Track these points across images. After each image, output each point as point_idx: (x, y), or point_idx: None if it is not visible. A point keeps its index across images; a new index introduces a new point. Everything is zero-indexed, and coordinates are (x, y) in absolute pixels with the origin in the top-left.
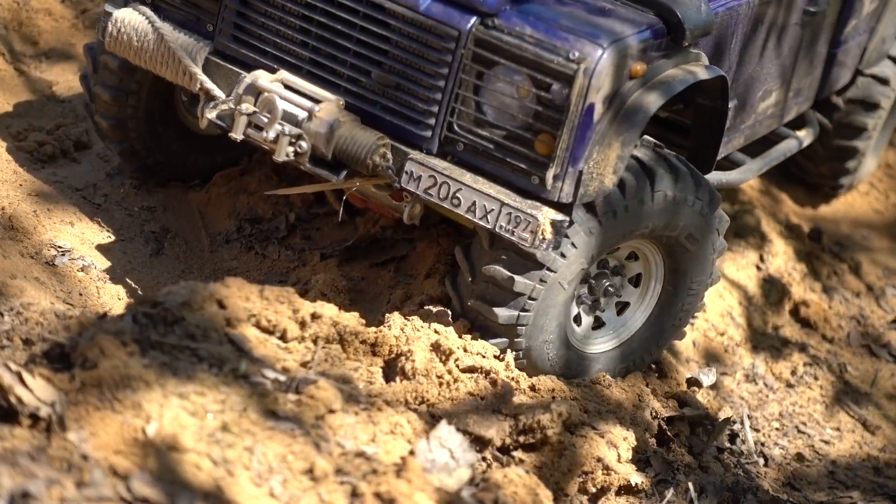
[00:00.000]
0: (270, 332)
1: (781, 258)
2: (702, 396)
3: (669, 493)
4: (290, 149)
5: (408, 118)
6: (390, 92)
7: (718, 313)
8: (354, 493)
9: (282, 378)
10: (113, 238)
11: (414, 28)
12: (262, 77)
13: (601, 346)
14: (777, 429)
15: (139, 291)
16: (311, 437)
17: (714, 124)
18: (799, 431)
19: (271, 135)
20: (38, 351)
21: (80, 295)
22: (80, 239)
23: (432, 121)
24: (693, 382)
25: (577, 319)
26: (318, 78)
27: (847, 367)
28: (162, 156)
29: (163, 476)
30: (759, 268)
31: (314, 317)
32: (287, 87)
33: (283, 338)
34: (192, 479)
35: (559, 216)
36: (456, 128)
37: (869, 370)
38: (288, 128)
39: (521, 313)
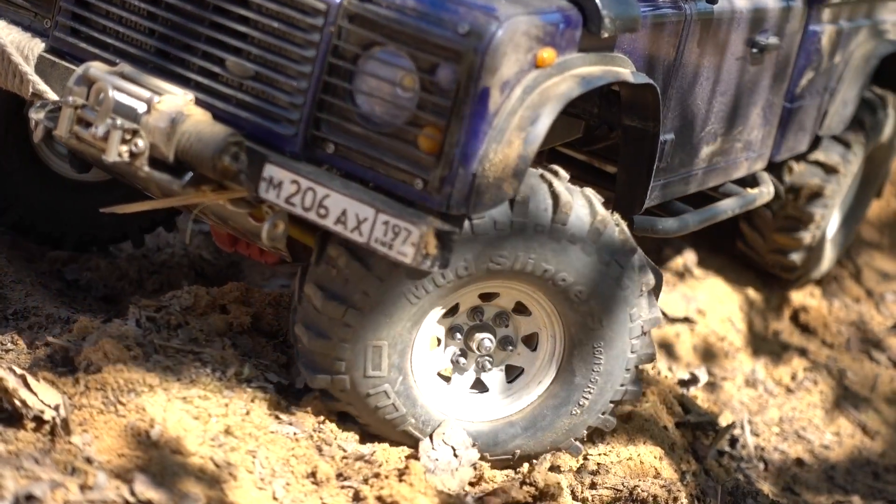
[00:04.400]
0: (273, 336)
1: None
2: (702, 402)
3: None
4: (124, 148)
5: (268, 114)
6: (247, 84)
7: (719, 318)
8: (357, 497)
9: (285, 382)
10: None
11: (274, 3)
12: (94, 66)
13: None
14: (777, 433)
15: None
16: (314, 440)
17: (644, 151)
18: (798, 436)
19: (100, 130)
20: (42, 354)
21: None
22: None
23: (296, 116)
24: (688, 382)
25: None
26: (166, 72)
27: (846, 373)
28: (24, 210)
29: (166, 479)
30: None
31: None
32: (126, 79)
33: (286, 341)
34: (195, 483)
35: (447, 227)
36: (325, 125)
37: (868, 375)
38: (121, 121)
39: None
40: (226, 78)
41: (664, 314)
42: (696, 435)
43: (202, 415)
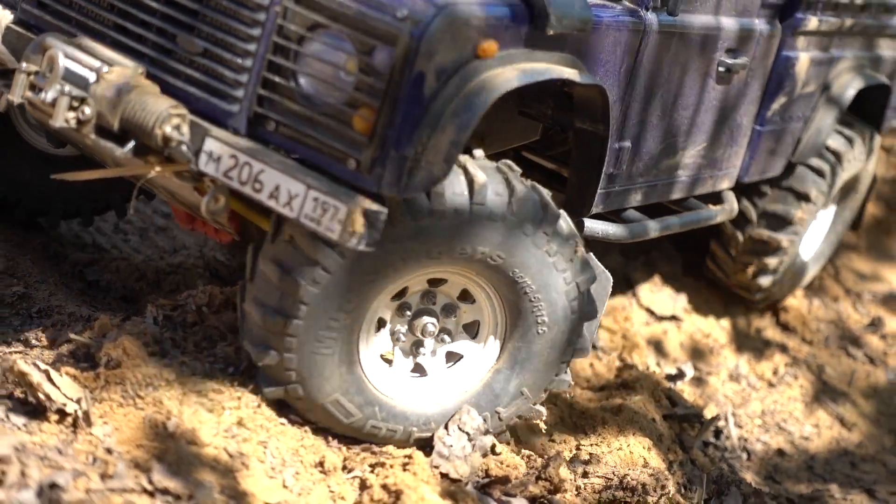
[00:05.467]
0: None
1: None
2: (689, 395)
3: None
4: (71, 114)
5: (213, 90)
6: (197, 60)
7: (704, 316)
8: (363, 485)
9: None
10: None
11: None
12: (51, 36)
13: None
14: (759, 425)
15: None
16: (322, 432)
17: (594, 154)
18: (780, 428)
19: (49, 95)
20: (64, 351)
21: None
22: None
23: (240, 93)
24: (675, 377)
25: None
26: (122, 46)
27: (825, 368)
28: (8, 186)
29: (182, 468)
30: None
31: None
32: (81, 50)
33: None
34: (209, 472)
35: (375, 206)
36: (268, 103)
37: (846, 371)
38: (69, 88)
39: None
40: (177, 54)
41: (652, 312)
42: (682, 427)
43: (216, 408)
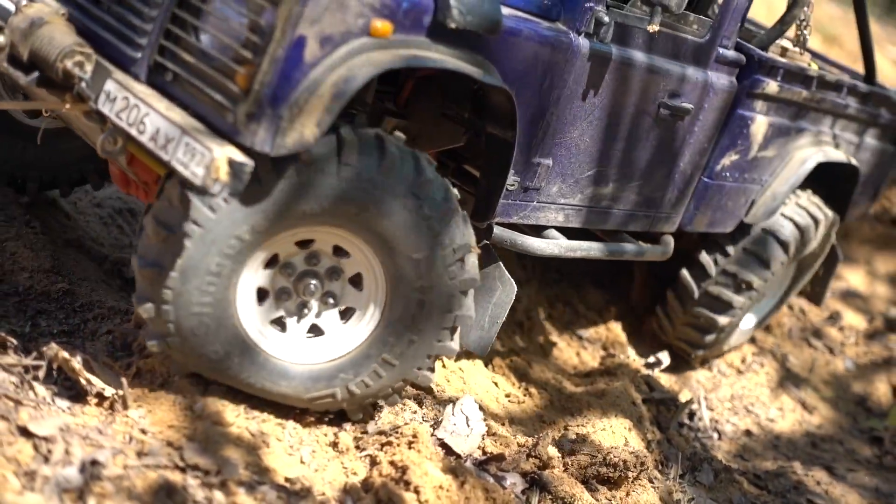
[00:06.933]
0: None
1: None
2: (665, 381)
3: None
4: None
5: (122, 36)
6: (113, 7)
7: None
8: (373, 462)
9: None
10: None
11: None
12: None
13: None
14: (729, 408)
15: None
16: (336, 414)
17: (501, 160)
18: (748, 411)
19: None
20: (104, 340)
21: None
22: None
23: (144, 41)
24: (653, 364)
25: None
26: None
27: (789, 357)
28: None
29: (210, 446)
30: None
31: None
32: None
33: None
34: (234, 449)
35: (241, 158)
36: (168, 54)
37: (807, 359)
38: None
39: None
40: (99, 1)
41: (632, 308)
42: (659, 409)
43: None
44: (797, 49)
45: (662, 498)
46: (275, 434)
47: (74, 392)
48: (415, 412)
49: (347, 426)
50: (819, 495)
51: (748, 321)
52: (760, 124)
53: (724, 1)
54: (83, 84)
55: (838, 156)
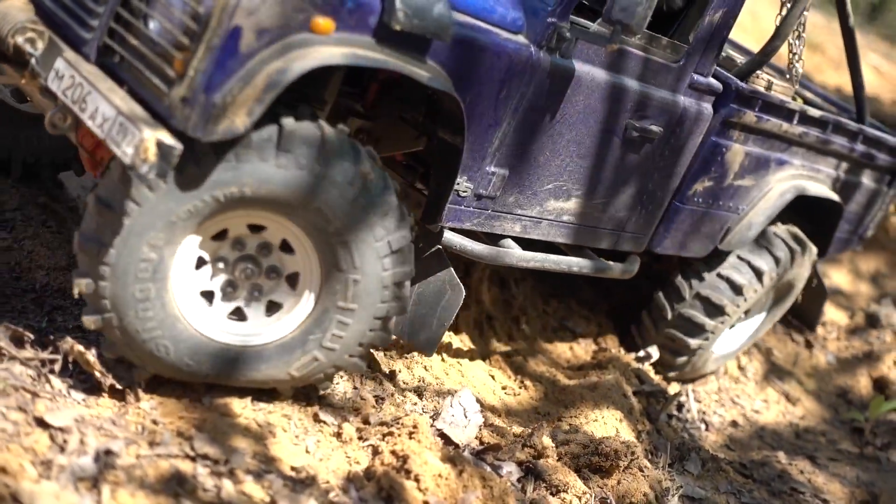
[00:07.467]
0: None
1: None
2: (655, 374)
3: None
4: None
5: (76, 16)
6: None
7: None
8: (375, 452)
9: None
10: None
11: None
12: None
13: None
14: (716, 400)
15: None
16: (339, 406)
17: (450, 165)
18: (734, 402)
19: None
20: None
21: None
22: None
23: (96, 23)
24: (643, 358)
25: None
26: None
27: (773, 351)
28: None
29: (219, 436)
30: None
31: None
32: None
33: None
34: (242, 439)
35: (170, 141)
36: (117, 37)
37: (791, 353)
38: None
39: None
40: None
41: (628, 307)
42: (649, 401)
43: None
44: (786, 82)
45: (652, 486)
46: (281, 425)
47: (89, 385)
48: (415, 404)
49: (351, 417)
50: (802, 483)
51: (724, 347)
52: (736, 153)
53: (700, 29)
54: (34, 61)
55: (820, 191)
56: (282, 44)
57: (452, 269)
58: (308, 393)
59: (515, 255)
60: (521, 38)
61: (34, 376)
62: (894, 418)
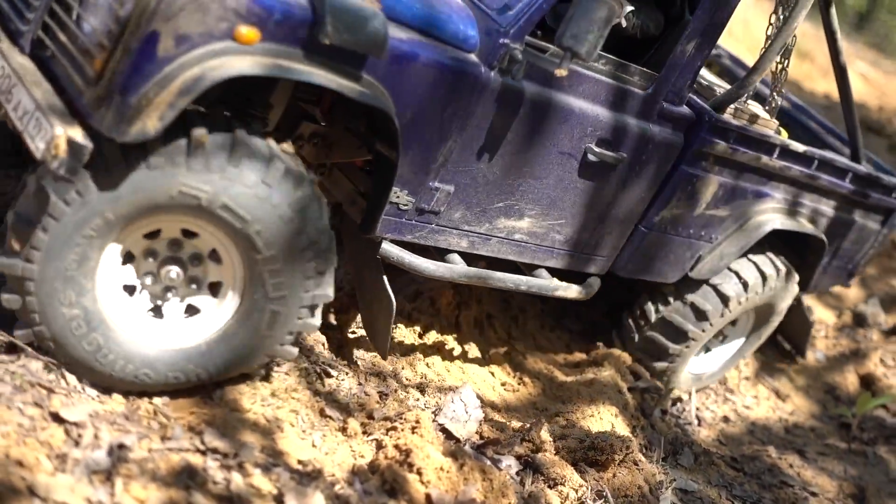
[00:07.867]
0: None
1: None
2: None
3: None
4: None
5: (15, 8)
6: None
7: None
8: (379, 446)
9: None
10: None
11: None
12: None
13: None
14: (708, 396)
15: None
16: (344, 401)
17: (385, 178)
18: (726, 398)
19: None
20: None
21: None
22: None
23: (32, 16)
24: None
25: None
26: None
27: (764, 348)
28: None
29: (228, 431)
30: None
31: None
32: None
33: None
34: (251, 433)
35: (82, 140)
36: (49, 32)
37: (781, 351)
38: None
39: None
40: None
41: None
42: (644, 397)
43: (253, 380)
44: (767, 116)
45: (646, 479)
46: (288, 420)
47: None
48: (417, 400)
49: (356, 413)
50: (791, 477)
51: (702, 367)
52: (709, 183)
53: (671, 58)
54: None
55: (801, 226)
56: (203, 51)
57: (385, 278)
58: (316, 389)
59: (458, 270)
60: (471, 57)
61: (50, 373)
62: (881, 414)
